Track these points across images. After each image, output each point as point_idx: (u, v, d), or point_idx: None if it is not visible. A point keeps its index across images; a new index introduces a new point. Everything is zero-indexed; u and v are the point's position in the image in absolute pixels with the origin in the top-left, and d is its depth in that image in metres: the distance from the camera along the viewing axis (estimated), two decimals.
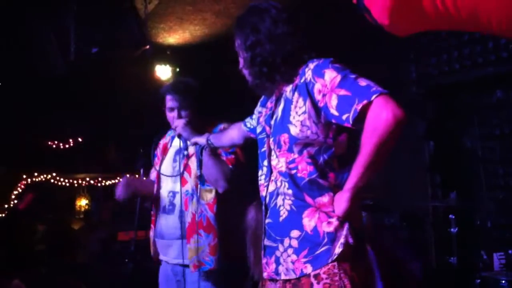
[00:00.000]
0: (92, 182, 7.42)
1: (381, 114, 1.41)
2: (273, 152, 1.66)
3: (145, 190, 2.63)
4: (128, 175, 2.98)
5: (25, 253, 5.65)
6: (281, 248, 1.59)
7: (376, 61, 4.34)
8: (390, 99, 1.43)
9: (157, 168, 2.59)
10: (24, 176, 6.78)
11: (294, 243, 1.55)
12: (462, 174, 4.28)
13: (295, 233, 1.55)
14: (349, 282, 1.47)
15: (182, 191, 2.42)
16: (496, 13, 1.21)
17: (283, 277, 1.58)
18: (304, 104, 1.57)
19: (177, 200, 2.45)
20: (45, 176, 7.02)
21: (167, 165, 2.58)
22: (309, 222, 1.53)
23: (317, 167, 1.55)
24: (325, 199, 1.54)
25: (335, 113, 1.50)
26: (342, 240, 1.49)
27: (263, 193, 1.70)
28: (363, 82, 1.48)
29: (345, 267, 1.48)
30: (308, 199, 1.55)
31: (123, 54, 4.55)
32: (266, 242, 1.66)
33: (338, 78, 1.51)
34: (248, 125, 2.06)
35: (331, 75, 1.52)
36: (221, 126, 2.48)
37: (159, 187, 2.57)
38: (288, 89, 1.66)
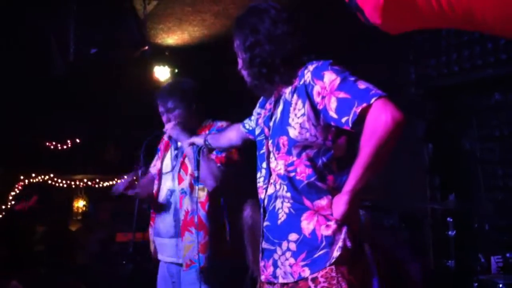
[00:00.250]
0: (90, 183, 7.38)
1: (380, 117, 1.40)
2: (272, 154, 1.65)
3: (143, 193, 2.62)
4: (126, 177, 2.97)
5: (24, 253, 5.64)
6: (279, 251, 1.58)
7: (375, 62, 4.33)
8: (389, 102, 1.43)
9: (159, 165, 2.59)
10: (22, 177, 6.76)
11: (292, 246, 1.54)
12: (461, 176, 4.27)
13: (293, 236, 1.54)
14: (347, 285, 1.46)
15: (178, 189, 2.42)
16: (491, 11, 1.20)
17: (281, 280, 1.57)
18: (303, 106, 1.56)
19: (173, 198, 2.46)
20: (42, 177, 6.98)
21: (168, 162, 2.58)
22: (307, 225, 1.52)
23: (316, 169, 1.54)
24: (323, 202, 1.53)
25: (334, 115, 1.49)
26: (340, 243, 1.48)
27: (261, 195, 1.69)
28: (362, 85, 1.47)
29: (342, 271, 1.48)
30: (307, 202, 1.54)
31: (122, 54, 4.56)
32: (264, 245, 1.65)
33: (338, 80, 1.50)
34: (247, 126, 2.05)
35: (330, 77, 1.52)
36: (219, 124, 2.48)
37: (159, 184, 2.58)
38: (287, 90, 1.65)
